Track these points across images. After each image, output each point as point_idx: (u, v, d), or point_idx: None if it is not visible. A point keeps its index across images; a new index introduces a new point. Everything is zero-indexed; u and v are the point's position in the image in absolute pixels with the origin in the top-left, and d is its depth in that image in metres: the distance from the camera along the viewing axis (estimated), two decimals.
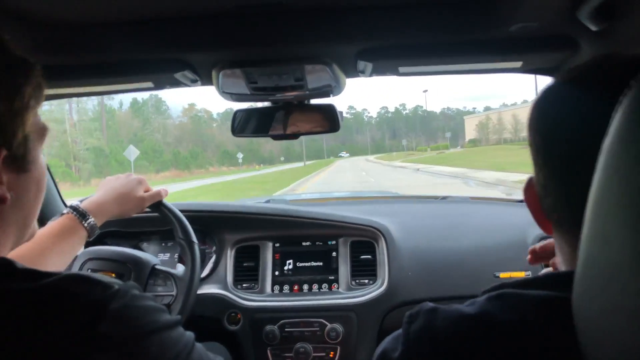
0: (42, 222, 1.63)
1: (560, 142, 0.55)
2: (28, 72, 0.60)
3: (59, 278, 0.56)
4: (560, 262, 0.62)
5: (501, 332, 0.52)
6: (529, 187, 0.62)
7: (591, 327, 0.40)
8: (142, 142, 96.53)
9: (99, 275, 0.59)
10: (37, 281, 0.56)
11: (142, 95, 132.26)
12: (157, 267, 1.36)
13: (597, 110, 0.52)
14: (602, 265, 0.38)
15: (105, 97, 66.84)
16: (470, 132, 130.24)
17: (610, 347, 0.37)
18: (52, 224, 1.10)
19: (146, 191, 1.32)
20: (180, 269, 1.37)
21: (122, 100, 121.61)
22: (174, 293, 1.32)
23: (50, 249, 1.04)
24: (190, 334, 0.65)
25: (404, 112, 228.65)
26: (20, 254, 0.98)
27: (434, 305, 0.60)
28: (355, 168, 47.27)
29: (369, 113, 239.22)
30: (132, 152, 26.48)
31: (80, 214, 1.13)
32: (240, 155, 78.36)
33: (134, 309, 0.57)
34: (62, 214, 1.13)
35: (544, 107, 0.59)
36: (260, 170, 64.60)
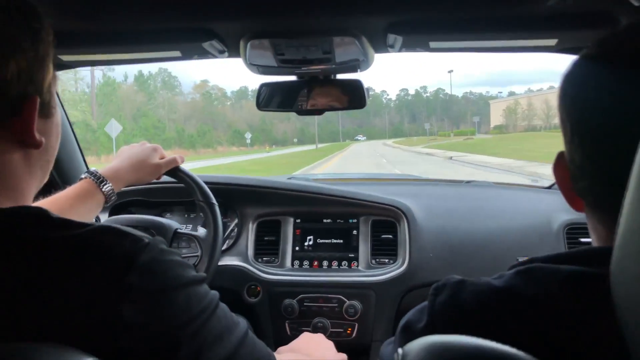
0: (64, 182, 1.68)
1: (597, 123, 0.52)
2: (40, 18, 0.62)
3: (92, 229, 0.58)
4: (593, 241, 0.60)
5: (527, 306, 0.51)
6: (560, 163, 0.60)
7: (629, 295, 0.39)
8: (143, 118, 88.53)
9: (129, 229, 0.60)
10: (70, 230, 0.57)
11: (149, 68, 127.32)
12: (180, 230, 1.38)
13: (632, 86, 0.49)
14: None
15: (107, 68, 65.29)
16: (496, 118, 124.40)
17: None
18: (70, 188, 1.13)
19: (161, 158, 1.33)
20: (202, 231, 1.39)
21: (127, 72, 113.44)
22: (198, 254, 1.35)
23: (68, 211, 1.06)
24: (215, 293, 0.66)
25: (425, 95, 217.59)
26: None
27: (461, 278, 0.59)
28: (373, 154, 40.54)
29: (387, 95, 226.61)
30: (114, 128, 23.70)
31: (97, 178, 1.16)
32: (248, 136, 71.98)
33: (163, 262, 0.59)
34: (81, 178, 1.16)
35: (576, 83, 0.57)
36: (271, 152, 58.88)
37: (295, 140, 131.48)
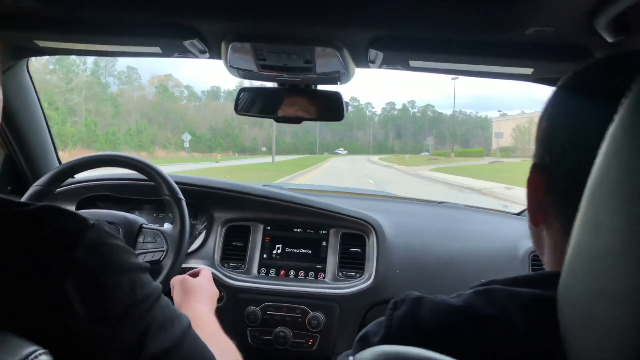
0: (34, 176, 1.65)
1: (571, 149, 0.55)
2: None
3: (37, 207, 0.57)
4: (547, 263, 0.61)
5: (484, 326, 0.51)
6: (536, 175, 0.61)
7: (575, 312, 0.40)
8: (50, 107, 64.65)
9: (72, 210, 0.60)
10: (15, 208, 0.56)
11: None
12: (145, 225, 1.37)
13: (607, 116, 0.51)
14: (591, 250, 0.38)
15: None
16: (505, 139, 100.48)
17: (593, 331, 0.37)
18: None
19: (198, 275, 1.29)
20: (168, 226, 1.38)
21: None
22: (164, 248, 1.34)
23: None
24: (158, 285, 0.66)
25: (412, 111, 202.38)
26: None
27: (420, 295, 0.60)
28: (357, 173, 31.28)
29: (373, 108, 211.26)
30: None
31: None
32: (187, 138, 52.48)
33: (108, 244, 0.58)
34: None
35: (554, 112, 0.59)
36: (221, 162, 46.58)
37: (264, 149, 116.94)
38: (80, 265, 0.54)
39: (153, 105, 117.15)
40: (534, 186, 0.61)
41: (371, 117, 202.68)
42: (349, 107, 1.57)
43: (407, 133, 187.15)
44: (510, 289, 0.54)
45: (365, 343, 0.59)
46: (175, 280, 1.20)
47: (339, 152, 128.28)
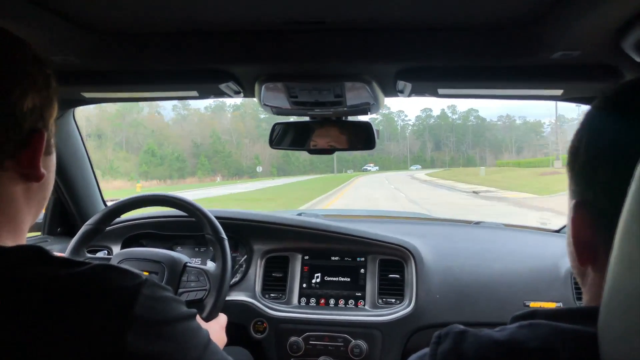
0: (82, 218, 1.73)
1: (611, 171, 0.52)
2: (49, 65, 0.68)
3: (94, 266, 0.60)
4: (590, 297, 0.59)
5: None
6: (580, 214, 0.57)
7: (615, 350, 0.40)
8: None
9: (126, 266, 0.65)
10: (72, 268, 0.60)
11: None
12: (189, 264, 1.41)
13: None
14: (627, 288, 0.38)
15: None
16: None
17: None
18: None
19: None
20: (211, 265, 1.42)
21: None
22: (207, 287, 1.37)
23: None
24: (206, 330, 0.70)
25: (452, 117, 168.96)
26: None
27: (464, 328, 0.59)
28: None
29: (406, 116, 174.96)
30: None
31: None
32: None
33: (161, 297, 0.62)
34: None
35: (591, 132, 0.57)
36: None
37: (260, 169, 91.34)
38: (138, 319, 0.58)
39: (111, 119, 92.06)
40: (578, 227, 0.57)
41: (404, 127, 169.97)
42: (379, 134, 1.60)
43: (448, 143, 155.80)
44: (554, 324, 0.54)
45: None
46: None
47: (369, 168, 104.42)
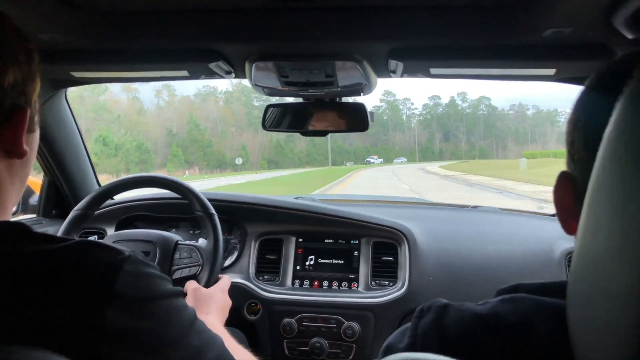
0: (76, 200, 1.73)
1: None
2: (32, 42, 0.66)
3: (75, 242, 0.60)
4: None
5: (508, 334, 0.51)
6: (562, 183, 0.58)
7: (579, 315, 0.41)
8: None
9: (108, 243, 0.64)
10: (55, 244, 0.59)
11: None
12: (181, 242, 1.42)
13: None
14: (592, 252, 0.39)
15: None
16: None
17: (595, 332, 0.37)
18: None
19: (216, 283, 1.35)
20: (202, 241, 1.43)
21: None
22: (200, 262, 1.38)
23: None
24: (192, 308, 0.69)
25: (462, 105, 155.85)
26: None
27: (446, 302, 0.59)
28: None
29: (412, 104, 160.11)
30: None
31: None
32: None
33: (144, 273, 0.62)
34: None
35: (584, 110, 0.57)
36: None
37: (240, 160, 74.41)
38: (120, 295, 0.58)
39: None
40: (560, 196, 0.58)
41: (409, 116, 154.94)
42: (374, 116, 1.59)
43: (457, 133, 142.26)
44: (536, 298, 0.53)
45: (390, 353, 0.60)
46: (189, 287, 1.25)
47: (372, 160, 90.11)
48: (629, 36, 0.95)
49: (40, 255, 0.58)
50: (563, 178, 0.58)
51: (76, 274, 0.58)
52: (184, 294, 0.69)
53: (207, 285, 1.33)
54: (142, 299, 0.60)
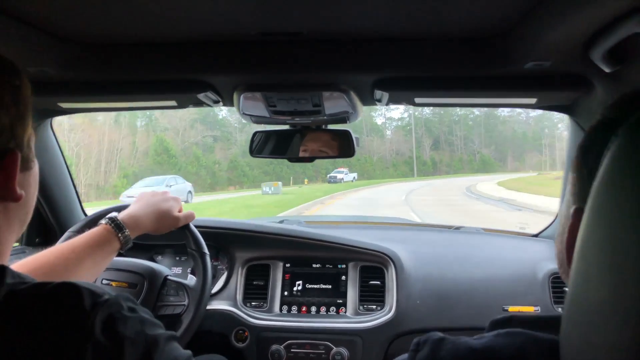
0: (61, 228, 1.71)
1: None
2: (20, 75, 0.62)
3: (53, 286, 0.58)
4: None
5: None
6: (577, 219, 0.54)
7: (573, 358, 0.41)
8: None
9: (90, 285, 0.60)
10: (35, 288, 0.58)
11: None
12: (170, 277, 1.40)
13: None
14: (584, 301, 0.39)
15: None
16: None
17: None
18: (88, 234, 1.12)
19: (179, 211, 1.35)
20: (191, 279, 1.40)
21: None
22: (185, 303, 1.36)
23: (85, 259, 1.06)
24: (186, 352, 0.65)
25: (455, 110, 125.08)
26: (57, 262, 1.01)
27: (442, 336, 0.60)
28: None
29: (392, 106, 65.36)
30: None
31: (117, 226, 1.16)
32: None
33: (122, 319, 0.58)
34: (100, 223, 1.16)
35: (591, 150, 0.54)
36: None
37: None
38: (98, 341, 0.55)
39: None
40: (572, 233, 0.55)
41: (388, 121, 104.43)
42: (359, 142, 1.61)
43: (453, 139, 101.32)
44: (531, 333, 0.54)
45: None
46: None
47: (338, 176, 46.45)
48: (607, 70, 0.99)
49: (21, 296, 0.56)
50: (577, 214, 0.54)
51: (55, 320, 0.56)
52: (174, 337, 0.65)
53: (189, 327, 1.31)
54: (116, 345, 0.56)
